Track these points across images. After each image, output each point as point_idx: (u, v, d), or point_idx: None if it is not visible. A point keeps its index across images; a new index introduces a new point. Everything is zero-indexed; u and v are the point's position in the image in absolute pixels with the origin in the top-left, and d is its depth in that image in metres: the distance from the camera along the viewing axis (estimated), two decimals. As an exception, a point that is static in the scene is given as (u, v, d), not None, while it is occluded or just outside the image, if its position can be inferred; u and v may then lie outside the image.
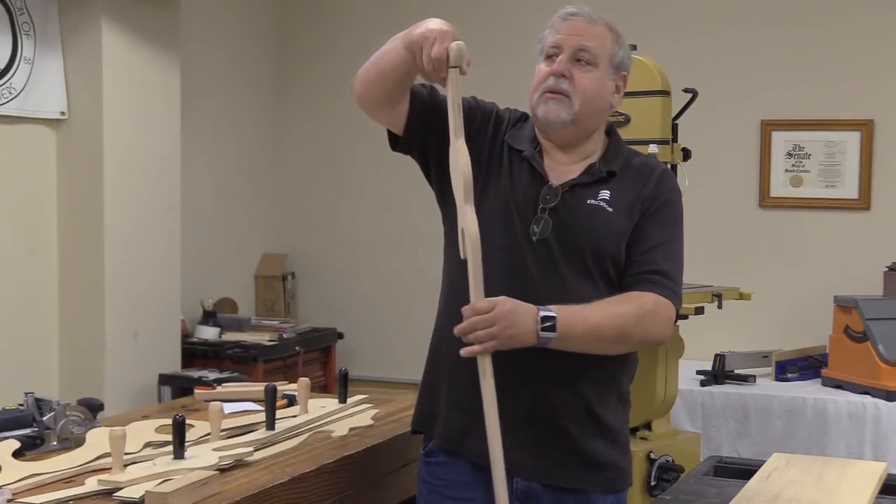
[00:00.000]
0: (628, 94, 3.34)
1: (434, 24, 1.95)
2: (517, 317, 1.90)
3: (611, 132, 2.25)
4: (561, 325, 1.93)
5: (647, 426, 3.36)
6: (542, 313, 1.92)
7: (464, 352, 1.88)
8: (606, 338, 2.00)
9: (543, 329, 1.92)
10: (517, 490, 2.06)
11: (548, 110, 2.12)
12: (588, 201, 2.12)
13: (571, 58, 2.11)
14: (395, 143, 2.20)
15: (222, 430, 2.35)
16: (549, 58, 2.14)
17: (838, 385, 4.14)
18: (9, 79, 3.95)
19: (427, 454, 2.21)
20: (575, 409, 2.06)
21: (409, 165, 2.28)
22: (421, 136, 2.15)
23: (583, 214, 2.10)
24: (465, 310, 1.89)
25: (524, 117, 2.26)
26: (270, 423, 2.42)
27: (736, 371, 4.32)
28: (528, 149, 2.17)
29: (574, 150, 2.18)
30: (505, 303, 1.90)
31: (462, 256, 1.89)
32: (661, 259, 2.11)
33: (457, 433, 2.13)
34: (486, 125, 2.18)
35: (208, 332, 4.85)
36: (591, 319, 1.98)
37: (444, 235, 2.21)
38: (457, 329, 1.90)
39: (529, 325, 1.91)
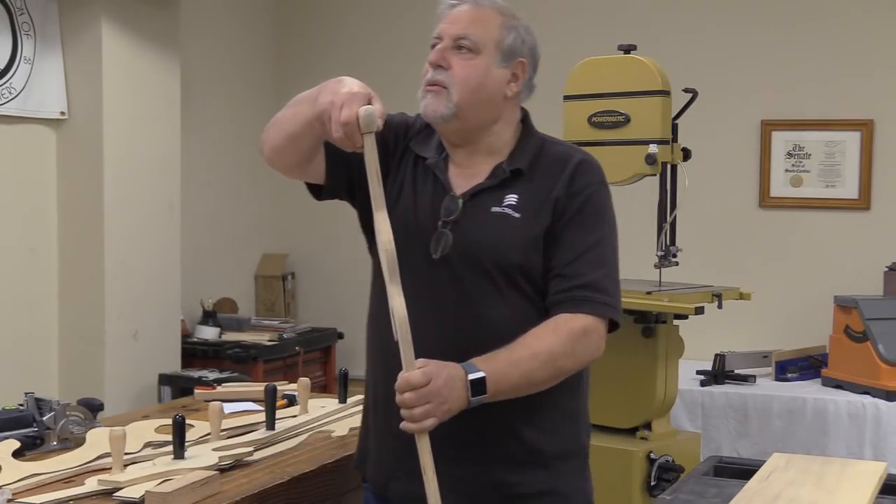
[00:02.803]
0: (628, 94, 3.40)
1: (344, 86, 1.79)
2: (452, 390, 1.74)
3: (524, 121, 2.06)
4: (491, 382, 1.78)
5: (647, 426, 3.36)
6: (471, 376, 1.76)
7: (403, 427, 1.74)
8: (539, 380, 1.85)
9: (474, 394, 1.77)
10: None
11: (426, 105, 1.95)
12: (492, 209, 1.94)
13: (451, 47, 1.94)
14: (318, 193, 2.07)
15: (222, 430, 2.35)
16: (433, 48, 1.98)
17: (838, 385, 4.14)
18: (9, 79, 3.95)
19: (365, 501, 2.10)
20: (497, 438, 1.91)
21: (409, 165, 2.27)
22: (345, 179, 2.02)
23: (485, 225, 1.93)
24: (400, 384, 1.73)
25: None
26: (270, 423, 2.42)
27: (736, 371, 4.32)
28: (433, 156, 2.01)
29: (477, 149, 2.00)
30: (438, 375, 1.73)
31: (395, 339, 1.74)
32: (588, 269, 1.92)
33: (382, 474, 2.01)
34: (399, 142, 2.04)
35: (208, 332, 4.85)
36: (521, 366, 1.81)
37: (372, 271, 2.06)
38: (396, 400, 1.75)
39: (462, 394, 1.76)
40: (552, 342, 1.86)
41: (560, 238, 1.93)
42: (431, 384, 1.72)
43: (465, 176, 1.99)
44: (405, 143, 2.03)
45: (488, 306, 1.90)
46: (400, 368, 1.76)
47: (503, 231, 1.92)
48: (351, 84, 1.80)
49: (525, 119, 2.06)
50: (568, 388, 1.96)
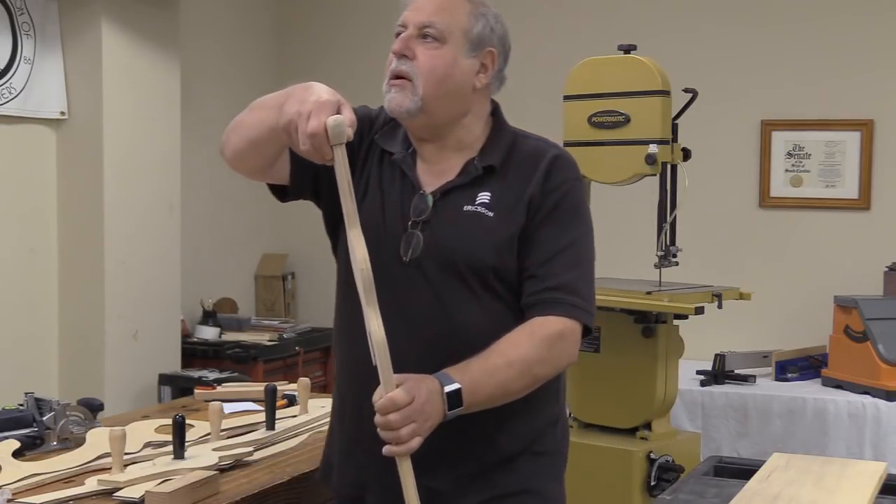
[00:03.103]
0: (628, 94, 3.40)
1: (312, 94, 1.67)
2: (433, 405, 1.67)
3: (495, 115, 1.96)
4: (466, 394, 1.70)
5: (647, 426, 3.36)
6: (447, 388, 1.68)
7: (388, 452, 1.65)
8: (515, 389, 1.78)
9: (450, 407, 1.69)
10: None
11: (391, 100, 1.85)
12: (465, 208, 1.85)
13: (416, 35, 1.84)
14: (283, 194, 1.98)
15: (222, 430, 2.35)
16: (397, 37, 1.88)
17: (838, 385, 4.14)
18: (9, 79, 3.95)
19: None
20: (472, 446, 1.84)
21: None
22: (310, 179, 1.91)
23: (457, 225, 1.84)
24: (384, 405, 1.63)
25: None
26: (270, 423, 2.42)
27: (736, 371, 4.32)
28: (400, 151, 1.91)
29: (446, 144, 1.90)
30: (419, 391, 1.65)
31: (373, 363, 1.64)
32: (562, 269, 1.83)
33: (354, 489, 1.92)
34: (363, 137, 1.93)
35: (208, 332, 4.85)
36: (496, 376, 1.73)
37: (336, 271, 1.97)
38: (377, 422, 1.65)
39: (440, 407, 1.68)
40: (527, 349, 1.78)
41: (534, 237, 1.85)
42: (415, 402, 1.64)
43: (434, 173, 1.89)
44: (370, 137, 1.94)
45: (463, 310, 1.82)
46: (372, 381, 1.67)
47: (476, 231, 1.83)
48: (319, 91, 1.68)
49: (496, 112, 1.96)
50: (545, 392, 1.88)
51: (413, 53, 1.84)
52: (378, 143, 1.93)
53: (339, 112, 1.65)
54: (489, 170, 1.87)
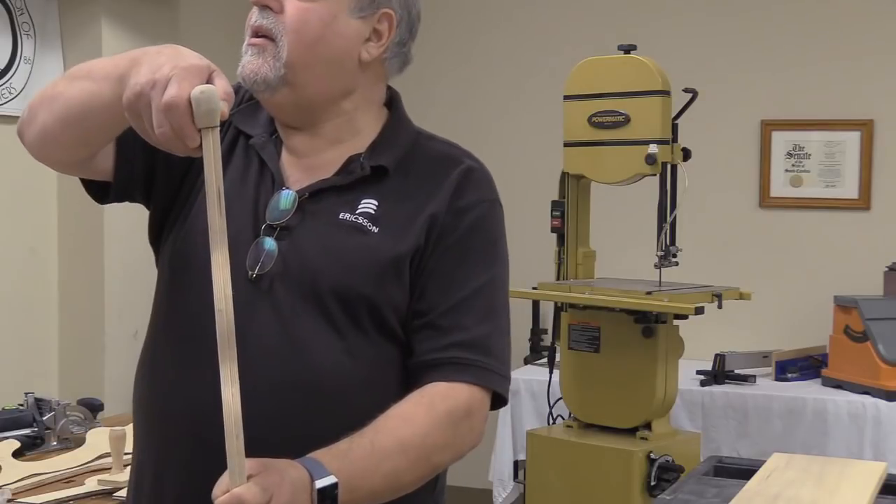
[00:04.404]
0: (628, 94, 3.40)
1: (172, 56, 1.20)
2: None
3: (392, 105, 1.53)
4: (345, 490, 1.24)
5: (647, 426, 3.36)
6: (319, 483, 1.22)
7: None
8: (408, 482, 1.35)
9: None
10: None
11: (244, 67, 1.41)
12: (340, 215, 1.41)
13: None
14: (103, 195, 1.49)
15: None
16: None
17: (838, 385, 4.14)
18: (9, 79, 3.95)
19: None
20: None
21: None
22: (142, 175, 1.46)
23: (327, 236, 1.39)
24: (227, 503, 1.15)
25: None
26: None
27: (736, 371, 4.32)
28: (261, 134, 1.47)
29: (319, 133, 1.46)
30: (281, 489, 1.18)
31: (227, 442, 1.16)
32: (473, 321, 1.40)
33: None
34: None
35: (208, 332, 4.85)
36: (385, 465, 1.30)
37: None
38: None
39: None
40: (425, 428, 1.34)
41: (435, 272, 1.41)
42: (273, 502, 1.17)
43: (303, 167, 1.45)
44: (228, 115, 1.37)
45: (317, 349, 1.37)
46: (201, 456, 1.29)
47: (351, 248, 1.39)
48: (183, 53, 1.21)
49: (394, 102, 1.53)
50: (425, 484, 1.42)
51: (280, 6, 1.41)
52: (234, 122, 1.48)
53: (209, 82, 1.20)
54: (379, 171, 1.44)
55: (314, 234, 1.40)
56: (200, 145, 1.19)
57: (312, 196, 1.42)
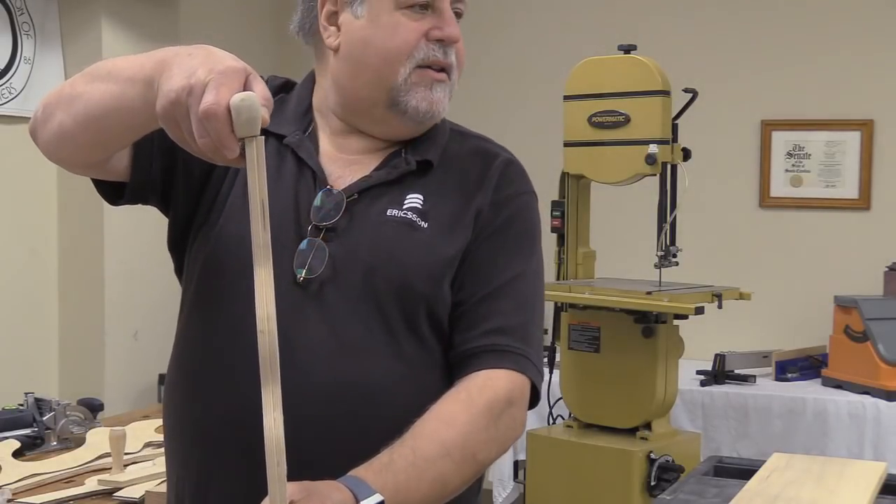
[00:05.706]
0: (628, 94, 3.40)
1: (207, 59, 1.12)
2: None
3: None
4: None
5: (647, 426, 3.36)
6: (364, 503, 1.15)
7: None
8: (456, 486, 1.29)
9: None
10: None
11: (434, 101, 1.38)
12: (389, 212, 1.36)
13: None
14: (117, 196, 1.42)
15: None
16: (424, 8, 1.38)
17: (838, 385, 4.14)
18: (9, 79, 3.95)
19: None
20: None
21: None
22: (160, 177, 1.40)
23: (379, 235, 1.34)
24: None
25: (287, 86, 1.52)
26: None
27: (736, 371, 4.32)
28: (294, 132, 1.40)
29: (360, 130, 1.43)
30: None
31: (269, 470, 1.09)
32: (512, 308, 1.36)
33: None
34: None
35: (208, 332, 4.85)
36: (430, 472, 1.23)
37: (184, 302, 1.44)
38: None
39: None
40: (467, 427, 1.27)
41: (475, 262, 1.37)
42: None
43: (343, 163, 1.41)
44: None
45: (372, 356, 1.31)
46: (235, 465, 1.27)
47: (405, 245, 1.34)
48: (220, 56, 1.14)
49: None
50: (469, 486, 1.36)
51: (457, 37, 1.42)
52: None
53: (247, 86, 1.12)
54: (424, 166, 1.40)
55: (363, 233, 1.35)
56: (241, 155, 1.09)
57: (360, 194, 1.37)
